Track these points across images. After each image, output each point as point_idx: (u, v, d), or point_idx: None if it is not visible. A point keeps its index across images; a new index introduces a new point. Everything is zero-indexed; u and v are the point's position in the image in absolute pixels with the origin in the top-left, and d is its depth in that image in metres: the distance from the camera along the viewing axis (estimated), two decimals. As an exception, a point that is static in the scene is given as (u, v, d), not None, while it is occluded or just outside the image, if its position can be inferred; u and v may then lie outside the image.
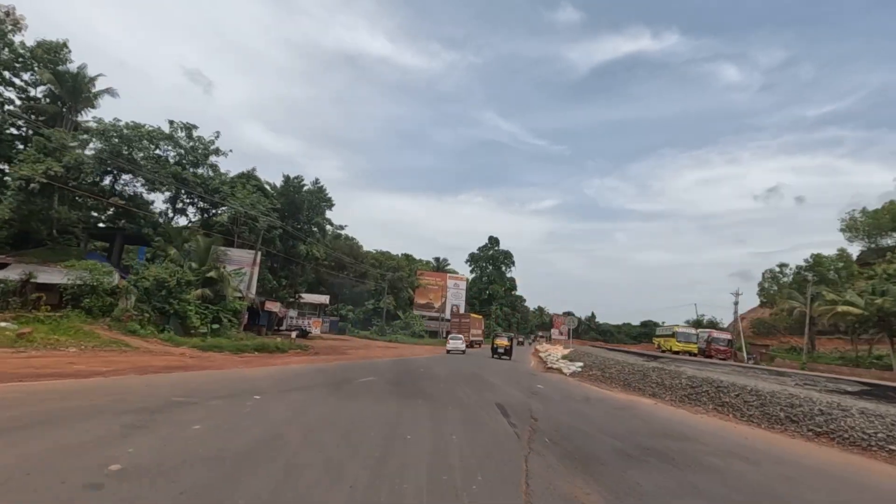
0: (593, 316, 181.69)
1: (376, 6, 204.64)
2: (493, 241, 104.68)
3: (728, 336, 52.13)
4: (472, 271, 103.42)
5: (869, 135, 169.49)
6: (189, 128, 28.52)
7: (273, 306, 31.19)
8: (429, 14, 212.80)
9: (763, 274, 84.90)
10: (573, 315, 34.47)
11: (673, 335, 53.41)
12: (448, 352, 34.97)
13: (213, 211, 29.55)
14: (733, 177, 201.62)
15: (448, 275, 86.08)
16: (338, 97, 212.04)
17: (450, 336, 37.45)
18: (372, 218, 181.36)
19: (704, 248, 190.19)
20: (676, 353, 48.74)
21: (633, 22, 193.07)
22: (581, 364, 21.41)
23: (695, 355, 48.15)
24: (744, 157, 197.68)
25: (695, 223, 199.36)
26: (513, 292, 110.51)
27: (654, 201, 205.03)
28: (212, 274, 24.37)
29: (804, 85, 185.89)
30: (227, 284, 24.64)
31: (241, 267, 27.78)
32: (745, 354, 54.81)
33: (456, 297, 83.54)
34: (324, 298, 44.79)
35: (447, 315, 74.05)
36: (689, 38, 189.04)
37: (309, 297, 44.43)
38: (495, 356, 32.09)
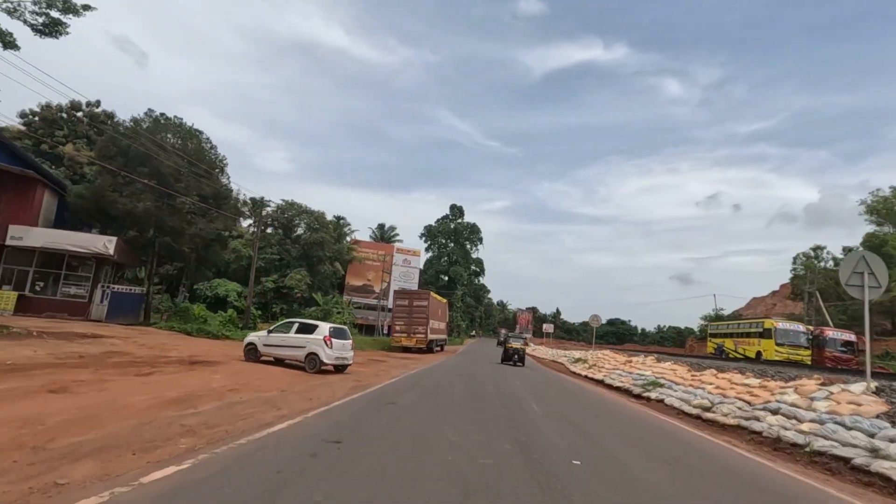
0: (558, 312, 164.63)
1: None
2: (457, 210, 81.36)
3: (850, 336, 31.62)
4: (427, 249, 79.69)
5: (791, 152, 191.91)
6: None
7: None
8: (386, 8, 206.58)
9: (794, 258, 67.60)
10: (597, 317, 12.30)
11: (766, 333, 32.30)
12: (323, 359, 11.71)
13: None
14: (672, 186, 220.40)
15: (396, 246, 61.85)
16: (289, 87, 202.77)
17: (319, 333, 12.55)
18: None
19: (645, 252, 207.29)
20: (769, 361, 27.83)
21: (586, 32, 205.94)
22: None
23: (807, 365, 27.19)
24: (683, 167, 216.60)
25: (637, 228, 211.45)
26: (479, 279, 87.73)
27: (599, 206, 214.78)
28: None
29: (737, 103, 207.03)
30: None
31: None
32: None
33: (406, 277, 59.66)
34: (98, 241, 19.55)
35: (391, 303, 49.97)
36: (637, 52, 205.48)
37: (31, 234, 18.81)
38: None
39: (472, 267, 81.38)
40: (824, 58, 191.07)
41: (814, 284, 43.95)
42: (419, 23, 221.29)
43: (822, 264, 61.95)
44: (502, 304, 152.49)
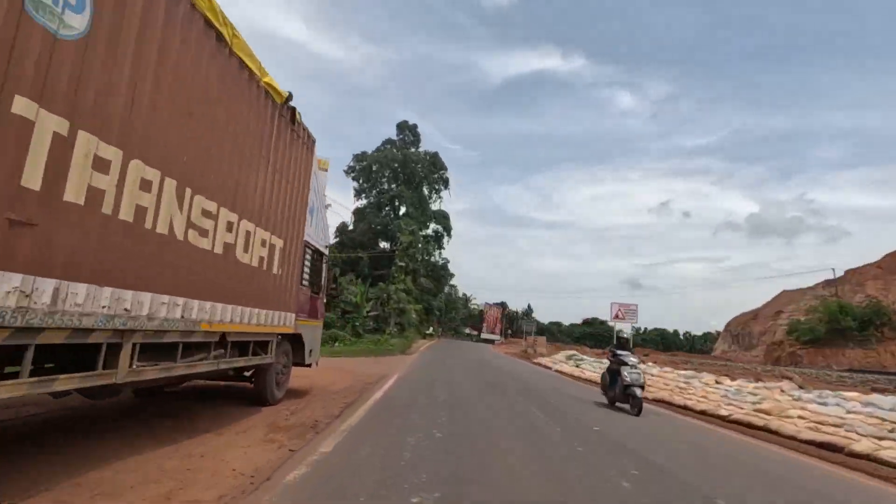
0: (530, 309, 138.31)
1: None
2: (408, 132, 50.32)
3: None
4: (360, 194, 48.29)
5: (730, 167, 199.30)
6: None
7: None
8: (349, 4, 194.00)
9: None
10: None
11: None
12: None
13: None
14: (622, 194, 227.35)
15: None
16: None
17: None
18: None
19: (597, 258, 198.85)
20: None
21: (544, 41, 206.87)
22: None
23: None
24: (632, 177, 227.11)
25: (589, 234, 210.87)
26: (440, 250, 56.24)
27: (554, 212, 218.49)
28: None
29: (684, 118, 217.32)
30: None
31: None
32: None
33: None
34: None
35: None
36: (593, 63, 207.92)
37: None
38: None
39: (432, 225, 50.47)
40: (760, 81, 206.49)
41: None
42: (381, 22, 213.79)
43: None
44: (466, 298, 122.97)
